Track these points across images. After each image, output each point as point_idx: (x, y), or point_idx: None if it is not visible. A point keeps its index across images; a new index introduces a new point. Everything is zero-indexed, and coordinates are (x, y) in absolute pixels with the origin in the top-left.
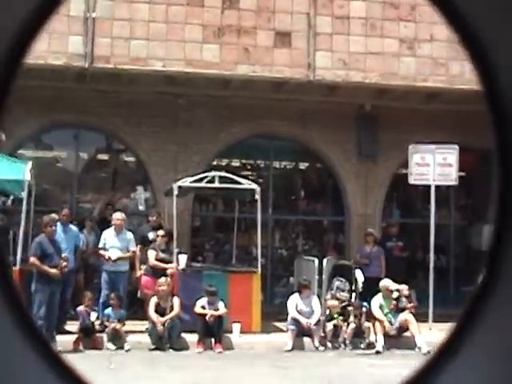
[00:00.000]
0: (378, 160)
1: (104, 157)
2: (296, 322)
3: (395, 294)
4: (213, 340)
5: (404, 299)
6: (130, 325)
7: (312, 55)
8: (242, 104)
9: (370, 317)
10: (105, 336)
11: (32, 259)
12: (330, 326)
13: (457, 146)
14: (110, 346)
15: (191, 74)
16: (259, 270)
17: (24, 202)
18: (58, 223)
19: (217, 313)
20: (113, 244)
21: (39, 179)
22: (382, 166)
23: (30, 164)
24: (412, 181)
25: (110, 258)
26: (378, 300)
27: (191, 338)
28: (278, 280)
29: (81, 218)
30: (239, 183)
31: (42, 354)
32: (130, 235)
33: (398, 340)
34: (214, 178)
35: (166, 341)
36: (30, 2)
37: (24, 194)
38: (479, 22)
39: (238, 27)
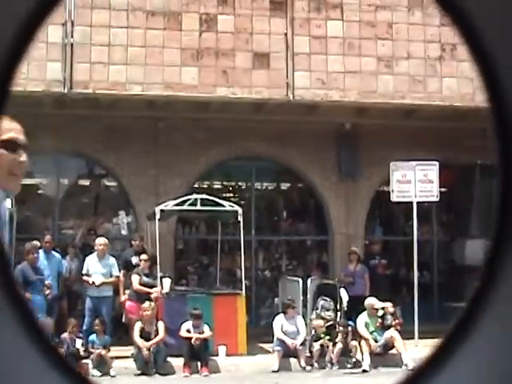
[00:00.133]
0: (358, 178)
1: (85, 182)
2: (282, 342)
3: (380, 312)
4: (199, 363)
5: (389, 317)
6: (115, 350)
7: (290, 75)
8: (221, 126)
9: (356, 335)
10: (90, 362)
11: None
12: (316, 346)
13: (437, 162)
14: (96, 372)
15: (170, 98)
16: (243, 291)
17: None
18: (41, 250)
19: (202, 336)
20: (96, 270)
21: (20, 206)
22: (363, 184)
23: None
24: (394, 198)
25: (93, 282)
26: (363, 318)
27: (177, 362)
28: (263, 301)
29: (63, 244)
30: (221, 205)
31: (44, 354)
32: (112, 260)
33: (384, 358)
34: (195, 200)
35: (151, 366)
36: (30, 1)
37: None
38: (481, 21)
39: (216, 49)
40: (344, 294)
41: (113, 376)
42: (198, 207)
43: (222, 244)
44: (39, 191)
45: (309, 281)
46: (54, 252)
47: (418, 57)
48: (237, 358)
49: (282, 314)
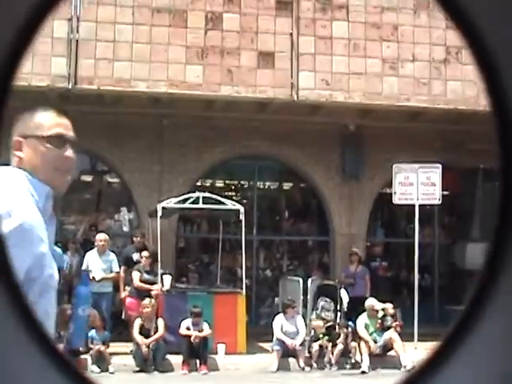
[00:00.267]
0: (361, 179)
1: (88, 178)
2: (281, 342)
3: (380, 314)
4: (198, 361)
5: (389, 318)
6: (114, 347)
7: (295, 75)
8: (225, 124)
9: (356, 336)
10: (89, 358)
11: None
12: (315, 346)
13: (440, 165)
14: (95, 368)
15: (175, 95)
16: (244, 290)
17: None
18: None
19: (201, 334)
20: (96, 265)
21: None
22: (366, 185)
23: None
24: (396, 200)
25: (94, 278)
26: (363, 319)
27: (176, 360)
28: (263, 300)
29: (65, 239)
30: (223, 204)
31: (45, 353)
32: (112, 256)
33: (383, 359)
34: (198, 198)
35: (150, 363)
36: None
37: None
38: (482, 21)
39: (221, 48)
40: (344, 295)
41: (111, 373)
42: (200, 205)
43: (223, 242)
44: None
45: (309, 281)
46: (55, 247)
47: (422, 59)
48: (236, 356)
49: (281, 314)
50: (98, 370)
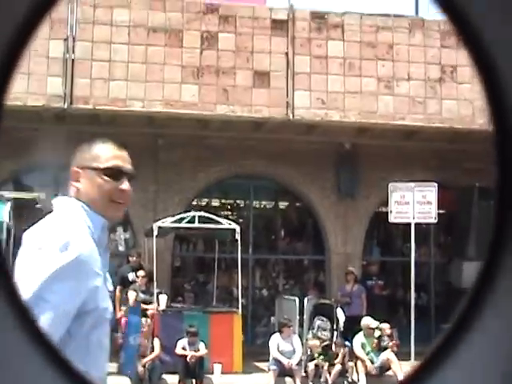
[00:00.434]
0: (357, 198)
1: None
2: (277, 362)
3: (377, 333)
4: (194, 381)
5: (386, 338)
6: (109, 367)
7: (291, 95)
8: (221, 144)
9: (352, 356)
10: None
11: None
12: (311, 365)
13: (436, 184)
14: None
15: (170, 115)
16: (240, 310)
17: (3, 244)
18: None
19: (198, 353)
20: None
21: (18, 220)
22: (362, 204)
23: (8, 205)
24: (392, 219)
25: None
26: (359, 339)
27: (172, 380)
28: (259, 320)
29: None
30: (219, 223)
31: (45, 354)
32: (107, 276)
33: (380, 379)
34: (193, 217)
35: (146, 382)
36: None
37: (3, 236)
38: (480, 22)
39: (216, 67)
40: (341, 314)
41: None
42: (196, 224)
43: (219, 262)
44: (37, 205)
45: (305, 300)
46: None
47: (418, 78)
48: (232, 376)
49: (278, 333)
50: None
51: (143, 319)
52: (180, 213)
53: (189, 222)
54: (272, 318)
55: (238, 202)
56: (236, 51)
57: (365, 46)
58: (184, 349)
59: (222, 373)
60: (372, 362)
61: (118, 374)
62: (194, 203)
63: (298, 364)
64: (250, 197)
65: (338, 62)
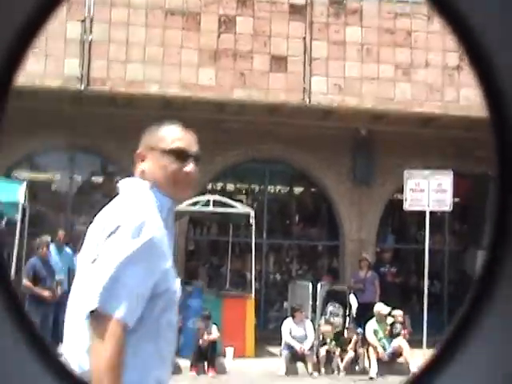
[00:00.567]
0: (372, 185)
1: (98, 179)
2: (289, 346)
3: (390, 320)
4: (206, 364)
5: (398, 325)
6: None
7: (308, 80)
8: (237, 128)
9: (364, 342)
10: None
11: (25, 281)
12: (322, 351)
13: (451, 172)
14: None
15: (187, 98)
16: (253, 294)
17: (18, 224)
18: (53, 245)
19: (210, 337)
20: None
21: (33, 201)
22: (377, 191)
23: (24, 185)
24: (407, 207)
25: None
26: (372, 325)
27: (184, 363)
28: (272, 304)
29: (75, 240)
30: (234, 207)
31: (42, 358)
32: None
33: (391, 366)
34: (208, 201)
35: None
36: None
37: (18, 216)
38: (480, 24)
39: (234, 51)
40: (353, 301)
41: None
42: (211, 208)
43: (233, 246)
44: (52, 186)
45: (318, 286)
46: (66, 247)
47: (436, 65)
48: (244, 360)
49: (290, 318)
50: None
51: None
52: (195, 196)
53: (204, 205)
54: (285, 303)
55: (252, 186)
56: (253, 35)
57: (383, 33)
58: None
59: (234, 356)
60: (384, 349)
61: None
62: (209, 187)
63: (309, 349)
64: (265, 181)
65: (355, 48)
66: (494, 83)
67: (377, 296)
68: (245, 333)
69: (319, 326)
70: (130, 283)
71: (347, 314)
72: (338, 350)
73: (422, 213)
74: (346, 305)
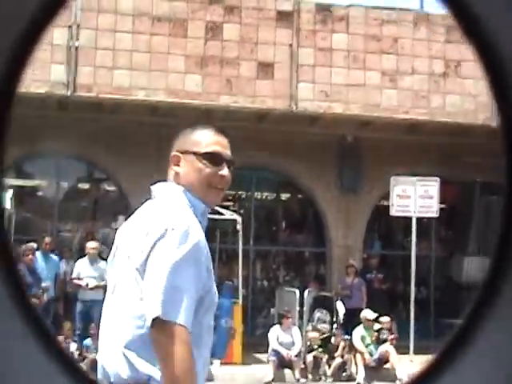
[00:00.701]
0: (359, 191)
1: (85, 186)
2: (277, 353)
3: (377, 326)
4: None
5: (385, 331)
6: None
7: (294, 86)
8: (224, 134)
9: (351, 348)
10: (84, 367)
11: None
12: (310, 357)
13: (438, 178)
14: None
15: (174, 104)
16: (240, 300)
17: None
18: (39, 252)
19: None
20: (87, 273)
21: (19, 207)
22: (364, 197)
23: (10, 192)
24: (393, 213)
25: (87, 284)
26: (359, 331)
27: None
28: (259, 311)
29: (61, 247)
30: (221, 213)
31: (41, 339)
32: (104, 264)
33: (378, 372)
34: None
35: None
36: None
37: (5, 223)
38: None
39: (220, 58)
40: (341, 307)
41: None
42: None
43: (220, 252)
44: (38, 193)
45: (306, 292)
46: (52, 254)
47: (422, 72)
48: (231, 366)
49: (277, 325)
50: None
51: None
52: None
53: None
54: (272, 310)
55: (239, 192)
56: (240, 42)
57: (369, 39)
58: None
59: (222, 363)
60: (371, 355)
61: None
62: None
63: (297, 356)
64: (251, 188)
65: (342, 55)
66: (501, 75)
67: (364, 302)
68: (232, 339)
69: (306, 332)
70: (185, 287)
71: (334, 320)
72: (326, 356)
73: (409, 219)
74: (333, 311)
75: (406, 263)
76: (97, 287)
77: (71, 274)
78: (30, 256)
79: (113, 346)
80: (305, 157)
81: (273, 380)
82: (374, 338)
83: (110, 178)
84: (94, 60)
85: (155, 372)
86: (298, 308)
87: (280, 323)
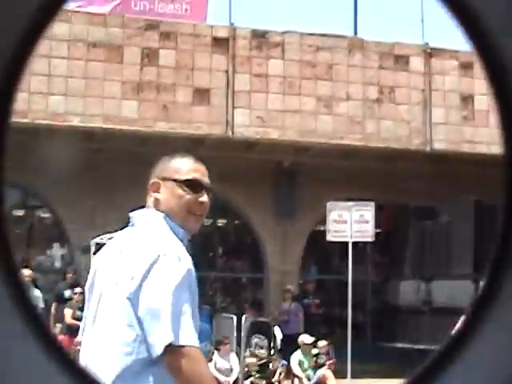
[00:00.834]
0: (295, 216)
1: (19, 213)
2: (215, 379)
3: (314, 351)
4: None
5: (323, 356)
6: None
7: (230, 112)
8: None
9: (289, 374)
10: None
11: None
12: (247, 383)
13: (373, 203)
14: None
15: (109, 130)
16: None
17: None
18: None
19: None
20: None
21: None
22: (300, 222)
23: None
24: (330, 238)
25: None
26: (297, 356)
27: None
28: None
29: None
30: None
31: (41, 339)
32: (37, 292)
33: None
34: None
35: None
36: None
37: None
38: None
39: (157, 84)
40: (278, 332)
41: None
42: None
43: None
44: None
45: (243, 318)
46: None
47: (356, 98)
48: None
49: (215, 351)
50: None
51: (79, 337)
52: (118, 229)
53: None
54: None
55: None
56: (176, 68)
57: (305, 66)
58: None
59: None
60: (309, 380)
61: None
62: None
63: (234, 382)
64: None
65: (277, 81)
66: (501, 76)
67: (301, 327)
68: None
69: (244, 358)
70: (187, 310)
71: (272, 345)
72: (263, 382)
73: (345, 244)
74: (270, 337)
75: (342, 288)
76: None
77: None
78: None
79: (100, 377)
80: (241, 182)
81: None
82: (311, 363)
83: (45, 205)
84: (29, 86)
85: None
86: (235, 334)
87: (218, 349)
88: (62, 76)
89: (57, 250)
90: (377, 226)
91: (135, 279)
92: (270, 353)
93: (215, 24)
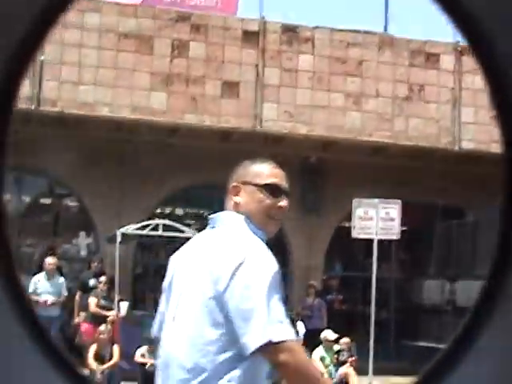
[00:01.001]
0: (321, 212)
1: (46, 201)
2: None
3: (336, 348)
4: None
5: (345, 352)
6: None
7: (259, 106)
8: (187, 152)
9: None
10: None
11: None
12: None
13: (399, 201)
14: None
15: (138, 121)
16: None
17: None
18: None
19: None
20: (44, 289)
21: None
22: (326, 218)
23: None
24: (355, 235)
25: (46, 301)
26: (319, 352)
27: None
28: None
29: (20, 262)
30: (182, 231)
31: (40, 342)
32: (61, 280)
33: None
34: (157, 225)
35: None
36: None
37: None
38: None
39: (186, 76)
40: (301, 327)
41: None
42: (160, 232)
43: None
44: None
45: None
46: None
47: (386, 95)
48: None
49: None
50: None
51: (103, 326)
52: (144, 220)
53: (152, 229)
54: None
55: (201, 211)
56: (206, 60)
57: (334, 61)
58: (143, 356)
59: None
60: (330, 376)
61: None
62: (159, 211)
63: None
64: (213, 207)
65: (307, 76)
66: (499, 77)
67: (324, 323)
68: None
69: None
70: (280, 307)
71: None
72: None
73: (370, 241)
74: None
75: (366, 285)
76: (53, 304)
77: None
78: None
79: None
80: None
81: None
82: (333, 359)
83: (73, 194)
84: (59, 75)
85: None
86: None
87: None
88: (92, 66)
89: (83, 239)
90: (402, 223)
91: (222, 280)
92: None
93: (246, 17)
